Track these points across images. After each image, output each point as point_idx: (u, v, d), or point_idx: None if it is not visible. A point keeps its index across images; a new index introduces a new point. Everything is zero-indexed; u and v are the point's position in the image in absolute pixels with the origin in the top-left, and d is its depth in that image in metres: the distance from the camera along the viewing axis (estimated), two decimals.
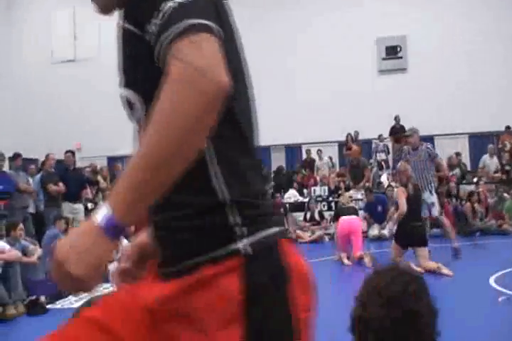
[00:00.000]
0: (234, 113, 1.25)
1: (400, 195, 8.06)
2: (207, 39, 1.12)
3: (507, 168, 15.47)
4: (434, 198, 9.05)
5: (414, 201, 8.06)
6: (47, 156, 11.33)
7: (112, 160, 17.71)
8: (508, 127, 16.35)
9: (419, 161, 8.98)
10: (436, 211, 9.15)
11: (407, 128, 16.60)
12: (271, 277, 1.23)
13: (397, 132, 16.82)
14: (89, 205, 11.74)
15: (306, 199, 14.07)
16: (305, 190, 15.09)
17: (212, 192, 1.24)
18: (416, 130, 9.33)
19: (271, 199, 1.39)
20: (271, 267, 1.25)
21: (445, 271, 7.51)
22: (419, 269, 7.45)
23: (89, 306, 1.43)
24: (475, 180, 14.75)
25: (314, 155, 17.46)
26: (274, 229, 1.29)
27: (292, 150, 19.15)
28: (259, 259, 1.23)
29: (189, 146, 1.10)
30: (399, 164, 9.21)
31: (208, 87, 1.07)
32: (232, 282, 1.20)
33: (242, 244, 1.23)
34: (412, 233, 7.94)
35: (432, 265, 7.70)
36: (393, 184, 14.45)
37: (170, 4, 1.14)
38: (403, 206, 7.89)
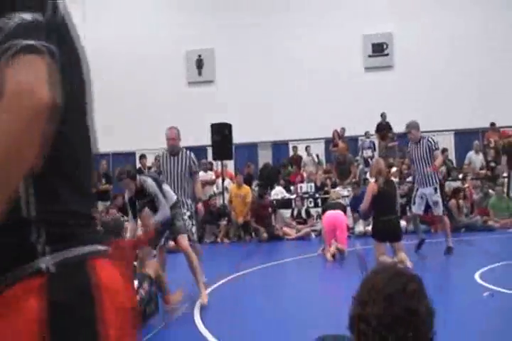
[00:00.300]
0: (62, 136, 1.25)
1: (368, 192, 8.18)
2: (37, 60, 1.15)
3: (492, 164, 15.58)
4: (437, 197, 8.85)
5: (387, 195, 8.11)
6: None
7: (98, 157, 17.63)
8: (492, 124, 16.45)
9: (421, 155, 8.83)
10: (440, 210, 8.93)
11: (392, 125, 16.76)
12: (75, 296, 1.21)
13: (384, 129, 16.89)
14: None
15: (293, 196, 14.12)
16: (292, 187, 15.12)
17: (18, 208, 1.22)
18: (414, 125, 9.13)
19: (91, 220, 1.38)
20: (76, 286, 1.22)
21: (408, 263, 7.65)
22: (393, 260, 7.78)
23: None
24: (460, 176, 14.83)
25: (301, 152, 17.49)
26: (86, 248, 1.28)
27: (279, 147, 19.16)
28: (63, 278, 1.20)
29: (14, 163, 1.11)
30: (374, 158, 9.23)
31: (29, 106, 1.10)
32: (32, 302, 1.17)
33: (44, 263, 1.20)
34: (388, 226, 8.09)
35: (403, 257, 7.87)
36: None
37: (10, 22, 1.17)
38: (366, 202, 8.09)
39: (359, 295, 1.69)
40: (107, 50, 19.49)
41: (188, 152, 7.61)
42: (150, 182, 6.13)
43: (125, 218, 10.89)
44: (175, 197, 6.49)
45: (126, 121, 18.95)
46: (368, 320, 1.61)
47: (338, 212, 9.54)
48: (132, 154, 19.24)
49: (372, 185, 8.25)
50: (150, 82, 19.25)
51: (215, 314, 5.64)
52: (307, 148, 17.21)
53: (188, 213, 7.29)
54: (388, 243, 8.10)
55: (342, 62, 18.48)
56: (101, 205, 13.61)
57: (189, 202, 7.42)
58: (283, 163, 17.37)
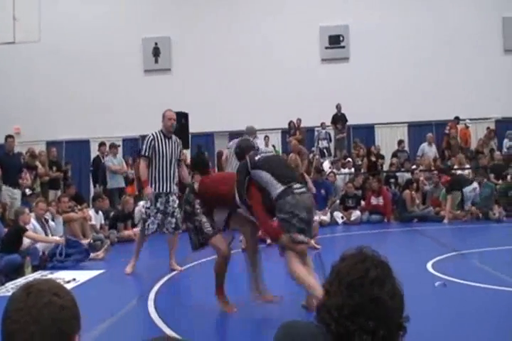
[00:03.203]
0: None
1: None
2: None
3: (437, 155, 15.97)
4: None
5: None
6: None
7: (51, 145, 17.28)
8: (457, 117, 16.71)
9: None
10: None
11: (348, 117, 16.96)
12: None
13: (340, 120, 17.07)
14: (27, 191, 11.41)
15: None
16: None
17: None
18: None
19: None
20: None
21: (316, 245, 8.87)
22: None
23: None
24: (414, 167, 15.07)
25: (257, 142, 17.44)
26: None
27: (235, 137, 19.03)
28: None
29: None
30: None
31: None
32: None
33: None
34: None
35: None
36: (335, 171, 14.67)
37: None
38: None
39: (325, 283, 1.67)
40: (63, 37, 19.06)
41: (178, 138, 7.42)
42: None
43: (78, 207, 10.73)
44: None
45: (81, 109, 18.63)
46: (330, 311, 1.58)
47: None
48: (86, 142, 18.93)
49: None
50: (106, 69, 18.93)
51: (170, 304, 5.60)
52: (266, 138, 17.21)
53: (177, 202, 7.21)
54: None
55: (299, 53, 18.50)
56: (51, 194, 13.34)
57: (176, 189, 7.34)
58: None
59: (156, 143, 7.06)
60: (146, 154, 7.11)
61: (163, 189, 7.07)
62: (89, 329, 4.53)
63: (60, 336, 1.35)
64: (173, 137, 7.26)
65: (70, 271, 7.58)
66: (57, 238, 8.46)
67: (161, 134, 7.14)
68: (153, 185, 7.02)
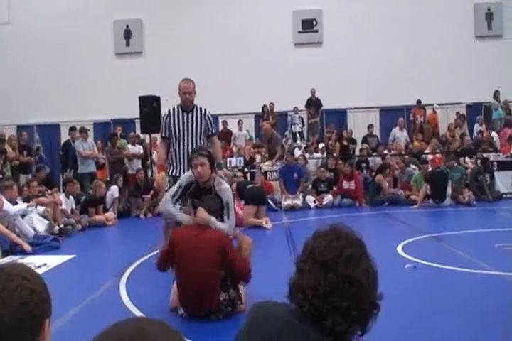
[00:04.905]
0: None
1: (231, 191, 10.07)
2: None
3: (408, 139, 16.17)
4: None
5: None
6: None
7: (22, 129, 17.01)
8: (419, 101, 16.88)
9: None
10: None
11: (322, 101, 16.98)
12: None
13: (314, 104, 17.10)
14: None
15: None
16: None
17: None
18: None
19: None
20: None
21: (267, 225, 9.73)
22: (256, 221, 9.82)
23: None
24: (385, 152, 15.16)
25: (230, 126, 17.41)
26: None
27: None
28: None
29: None
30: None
31: None
32: None
33: None
34: (254, 192, 10.22)
35: (257, 221, 9.80)
36: (307, 155, 14.73)
37: None
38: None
39: (298, 261, 1.65)
40: (33, 19, 18.68)
41: (203, 108, 6.45)
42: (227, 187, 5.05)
43: (48, 191, 10.60)
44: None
45: (51, 93, 18.34)
46: (304, 291, 1.57)
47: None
48: (57, 126, 18.68)
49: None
50: (76, 51, 18.62)
51: (142, 288, 5.59)
52: (239, 123, 17.17)
53: None
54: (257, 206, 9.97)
55: (272, 37, 18.44)
56: (23, 178, 13.18)
57: None
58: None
59: (171, 119, 6.26)
60: (163, 134, 6.36)
61: (179, 172, 6.13)
62: (60, 314, 4.51)
63: (30, 320, 1.32)
64: (195, 109, 6.35)
65: (41, 256, 7.52)
66: (25, 245, 8.00)
67: (179, 109, 6.32)
68: (170, 168, 6.26)
